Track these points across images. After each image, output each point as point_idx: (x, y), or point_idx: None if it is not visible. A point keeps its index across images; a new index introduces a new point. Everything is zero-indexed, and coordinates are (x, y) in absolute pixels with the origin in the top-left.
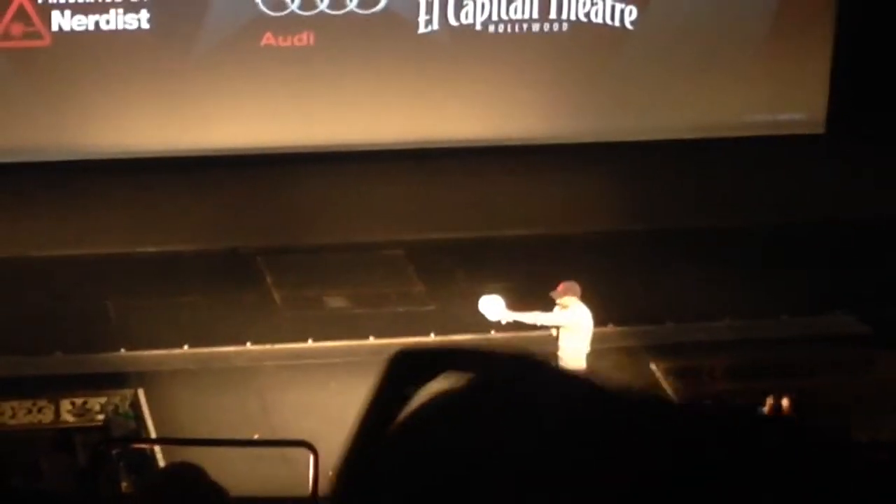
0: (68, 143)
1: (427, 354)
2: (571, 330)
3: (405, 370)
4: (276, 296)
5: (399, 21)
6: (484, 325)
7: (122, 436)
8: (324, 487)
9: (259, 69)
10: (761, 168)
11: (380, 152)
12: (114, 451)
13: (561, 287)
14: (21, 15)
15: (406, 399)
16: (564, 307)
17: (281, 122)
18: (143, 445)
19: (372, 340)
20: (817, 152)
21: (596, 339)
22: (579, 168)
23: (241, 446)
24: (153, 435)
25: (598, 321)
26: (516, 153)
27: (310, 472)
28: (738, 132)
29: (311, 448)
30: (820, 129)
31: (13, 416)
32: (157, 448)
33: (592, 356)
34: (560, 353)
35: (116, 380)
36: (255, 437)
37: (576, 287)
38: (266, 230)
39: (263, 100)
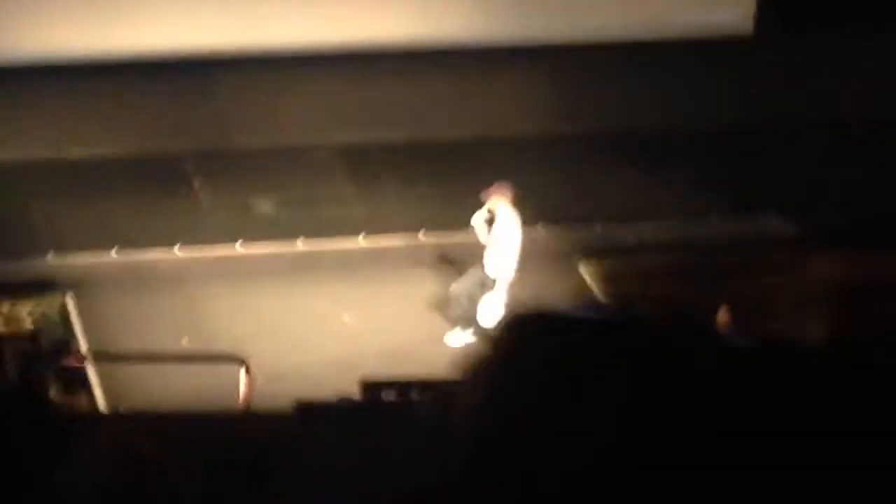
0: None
1: (546, 320)
2: (499, 238)
3: (523, 335)
4: (204, 200)
5: None
6: (411, 227)
7: (53, 345)
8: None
9: None
10: (691, 70)
11: (309, 55)
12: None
13: (492, 189)
14: None
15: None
16: (492, 211)
17: (210, 26)
18: (74, 364)
19: (300, 245)
20: (747, 53)
21: (525, 241)
22: (509, 71)
23: (172, 362)
24: (81, 340)
25: (528, 222)
26: (446, 56)
27: (241, 385)
28: (668, 34)
29: (243, 363)
30: (749, 31)
31: None
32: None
33: (522, 258)
34: (486, 262)
35: (44, 286)
36: (184, 341)
37: (506, 189)
38: (194, 134)
39: (192, 2)
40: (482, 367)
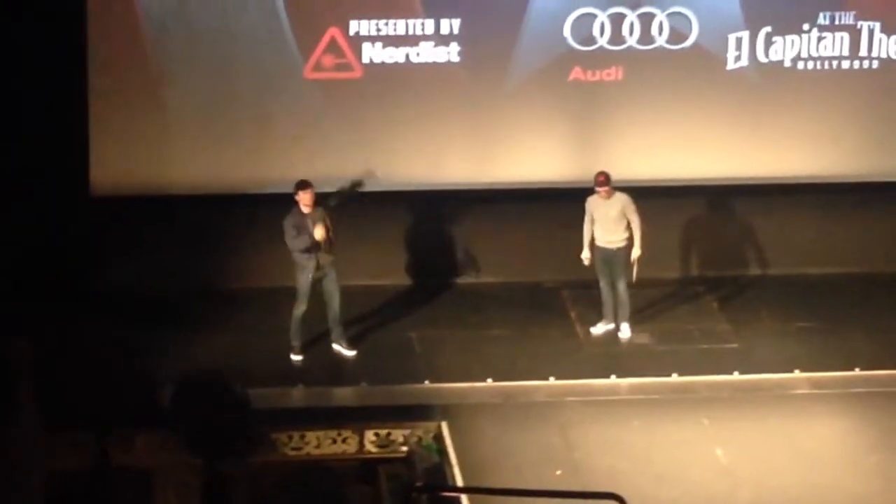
0: (377, 175)
1: None
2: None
3: None
4: (580, 330)
5: (708, 56)
6: (786, 366)
7: (427, 471)
8: None
9: (567, 103)
10: None
11: (686, 187)
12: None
13: (601, 177)
14: (333, 47)
15: None
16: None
17: (588, 157)
18: (450, 494)
19: (675, 378)
20: None
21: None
22: (887, 207)
23: (547, 497)
24: (455, 467)
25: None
26: (824, 191)
27: None
28: None
29: (620, 500)
30: None
31: (318, 446)
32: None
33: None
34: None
35: (420, 412)
36: (558, 473)
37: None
38: (570, 264)
39: (571, 133)
40: None
